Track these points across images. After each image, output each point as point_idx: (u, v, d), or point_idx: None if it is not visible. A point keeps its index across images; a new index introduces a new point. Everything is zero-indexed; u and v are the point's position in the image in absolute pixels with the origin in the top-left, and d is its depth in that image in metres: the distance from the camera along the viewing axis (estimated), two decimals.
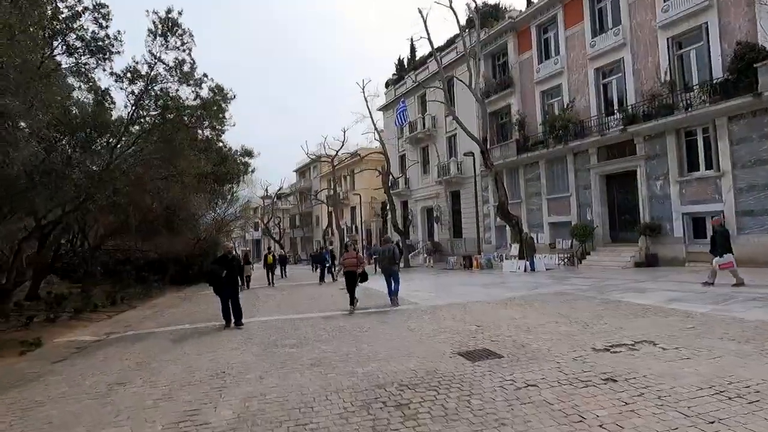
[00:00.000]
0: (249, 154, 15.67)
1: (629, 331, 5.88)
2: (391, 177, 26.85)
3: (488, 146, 19.75)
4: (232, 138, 77.71)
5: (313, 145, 77.92)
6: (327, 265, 19.11)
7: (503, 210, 18.15)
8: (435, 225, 29.43)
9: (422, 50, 35.75)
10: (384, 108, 35.63)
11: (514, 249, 18.18)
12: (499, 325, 6.90)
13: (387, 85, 35.90)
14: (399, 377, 4.48)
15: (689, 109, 14.62)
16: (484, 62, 24.12)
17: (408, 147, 32.14)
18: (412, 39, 37.30)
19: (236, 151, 15.15)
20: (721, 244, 9.27)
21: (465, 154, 21.56)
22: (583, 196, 19.15)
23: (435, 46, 30.30)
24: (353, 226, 41.62)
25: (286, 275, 25.65)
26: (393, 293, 9.95)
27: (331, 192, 44.18)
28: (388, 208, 35.14)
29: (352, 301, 9.72)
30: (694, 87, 15.07)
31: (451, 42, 28.13)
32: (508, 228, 23.56)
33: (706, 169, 14.94)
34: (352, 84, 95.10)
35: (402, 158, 33.59)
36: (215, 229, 21.55)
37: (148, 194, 10.19)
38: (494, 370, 4.52)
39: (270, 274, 19.74)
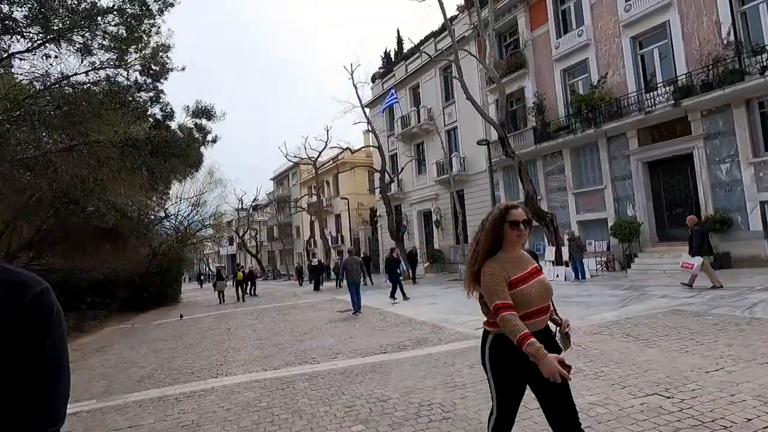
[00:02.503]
0: (205, 113, 10.63)
1: None
2: (386, 176, 23.34)
3: (506, 132, 16.59)
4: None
5: (293, 147, 73.78)
6: (398, 276, 12.78)
7: (533, 206, 14.93)
8: (435, 230, 26.08)
9: (409, 43, 32.88)
10: (371, 104, 32.33)
11: (549, 253, 14.94)
12: (709, 392, 3.46)
13: (374, 78, 32.70)
14: None
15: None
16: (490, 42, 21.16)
17: (400, 145, 28.84)
18: (398, 31, 34.45)
19: (186, 107, 10.55)
20: (697, 244, 8.97)
21: (479, 142, 18.33)
22: (621, 188, 16.17)
23: (429, 32, 27.48)
24: (339, 236, 37.87)
25: (255, 293, 21.67)
26: (358, 304, 10.40)
27: (313, 198, 40.44)
28: (378, 214, 31.68)
29: None
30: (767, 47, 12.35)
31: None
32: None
33: None
34: (334, 85, 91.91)
35: (393, 158, 30.28)
36: (176, 240, 17.56)
37: (34, 173, 6.37)
38: None
39: (239, 290, 20.02)
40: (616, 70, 16.20)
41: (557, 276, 14.01)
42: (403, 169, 25.67)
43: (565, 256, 14.28)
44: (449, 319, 8.42)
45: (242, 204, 50.10)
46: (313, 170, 42.16)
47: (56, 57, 6.08)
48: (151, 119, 8.52)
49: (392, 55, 34.17)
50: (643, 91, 15.30)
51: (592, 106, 16.29)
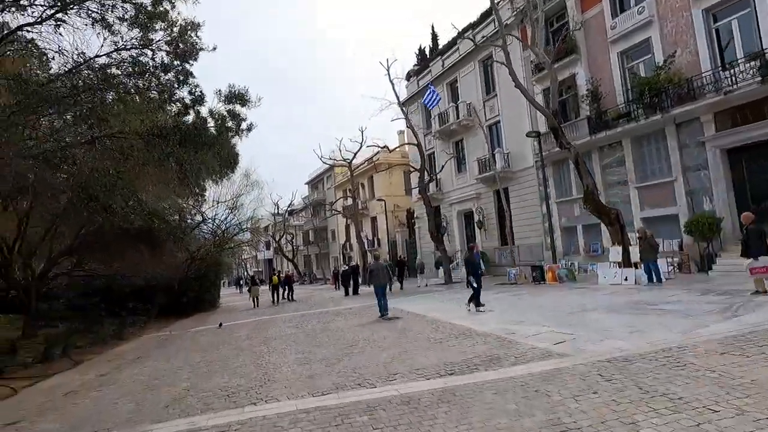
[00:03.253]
0: (239, 98, 9.37)
1: None
2: (425, 175, 22.26)
3: (559, 122, 15.17)
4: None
5: (327, 150, 73.64)
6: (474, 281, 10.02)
7: (594, 201, 13.47)
8: (477, 231, 24.74)
9: (444, 38, 31.67)
10: (407, 103, 31.38)
11: (615, 253, 13.41)
12: None
13: (408, 76, 31.75)
14: None
15: None
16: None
17: (437, 143, 27.73)
18: (433, 27, 33.29)
19: (218, 91, 9.37)
20: (756, 246, 8.14)
21: (529, 134, 16.95)
22: (694, 180, 14.40)
23: (467, 23, 26.25)
24: (375, 239, 37.08)
25: (293, 298, 21.12)
26: (384, 308, 10.53)
27: (348, 201, 39.93)
28: (416, 215, 30.64)
29: None
30: None
31: (486, 15, 23.90)
32: (580, 229, 18.88)
33: None
34: (365, 88, 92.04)
35: (431, 157, 29.20)
36: (214, 245, 17.23)
37: (50, 167, 5.73)
38: None
39: (275, 294, 20.77)
40: (686, 48, 14.47)
41: (626, 279, 12.48)
42: (443, 167, 24.50)
43: (634, 257, 12.72)
44: (516, 330, 7.27)
45: (278, 209, 50.34)
46: (348, 173, 41.78)
47: (63, 23, 5.40)
48: (178, 104, 7.82)
49: (427, 52, 33.18)
50: (720, 69, 13.53)
51: (657, 90, 14.64)
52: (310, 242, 51.99)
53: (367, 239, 36.27)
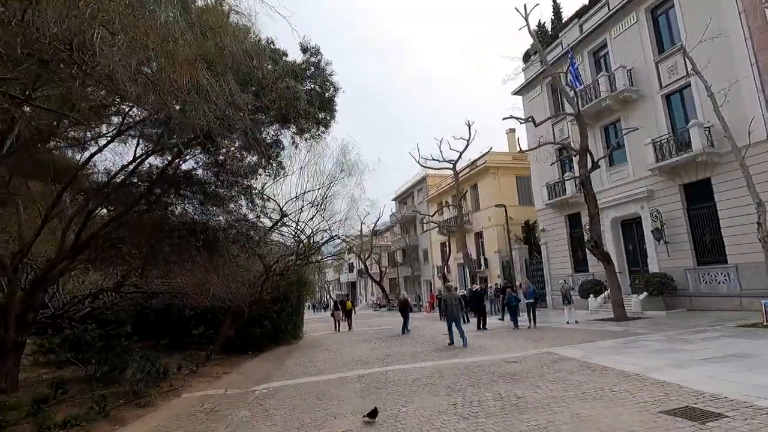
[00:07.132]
0: None
1: None
2: (589, 161, 15.68)
3: None
4: None
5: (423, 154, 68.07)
6: None
7: None
8: (651, 244, 17.45)
9: (569, 9, 25.38)
10: (523, 90, 25.38)
11: None
12: None
13: (526, 57, 25.77)
14: None
15: None
16: None
17: (575, 130, 21.04)
18: None
19: None
20: None
21: None
22: None
23: None
24: (482, 258, 30.64)
25: (408, 329, 15.75)
26: (462, 337, 11.06)
27: (445, 215, 34.28)
28: (542, 228, 23.93)
29: None
30: None
31: None
32: None
33: None
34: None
35: (561, 151, 22.66)
36: (297, 256, 12.56)
37: None
38: None
39: (349, 319, 20.08)
40: None
41: None
42: (612, 149, 17.88)
43: None
44: None
45: (362, 228, 45.88)
46: (445, 183, 36.24)
47: None
48: None
49: (548, 27, 26.99)
50: None
51: None
52: (399, 263, 46.75)
53: (472, 259, 29.98)
